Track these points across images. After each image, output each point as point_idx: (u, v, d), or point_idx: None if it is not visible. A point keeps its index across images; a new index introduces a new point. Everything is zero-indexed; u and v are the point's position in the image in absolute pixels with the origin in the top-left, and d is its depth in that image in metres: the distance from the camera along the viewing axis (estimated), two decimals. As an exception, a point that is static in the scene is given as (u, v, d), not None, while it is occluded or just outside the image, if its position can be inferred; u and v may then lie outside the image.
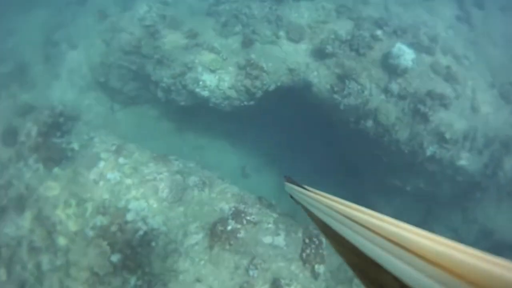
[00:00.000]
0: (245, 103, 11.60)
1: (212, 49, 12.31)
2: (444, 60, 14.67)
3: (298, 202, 1.10)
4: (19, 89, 15.25)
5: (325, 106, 11.82)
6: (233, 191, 10.21)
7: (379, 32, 13.14)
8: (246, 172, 13.37)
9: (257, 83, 11.32)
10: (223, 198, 10.12)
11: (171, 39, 13.27)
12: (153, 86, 13.11)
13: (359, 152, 13.08)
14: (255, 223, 9.75)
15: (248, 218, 9.74)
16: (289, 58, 12.31)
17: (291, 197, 1.26)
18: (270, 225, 9.81)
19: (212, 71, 11.81)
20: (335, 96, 11.19)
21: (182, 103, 12.16)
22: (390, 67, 12.30)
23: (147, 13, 13.85)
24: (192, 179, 10.22)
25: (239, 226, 9.58)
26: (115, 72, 14.05)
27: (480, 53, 16.51)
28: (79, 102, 15.09)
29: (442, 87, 13.46)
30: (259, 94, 11.60)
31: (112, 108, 14.80)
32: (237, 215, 9.77)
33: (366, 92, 11.43)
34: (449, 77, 13.84)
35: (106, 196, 10.50)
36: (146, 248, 9.72)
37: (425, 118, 12.17)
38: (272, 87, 11.76)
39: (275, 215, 10.14)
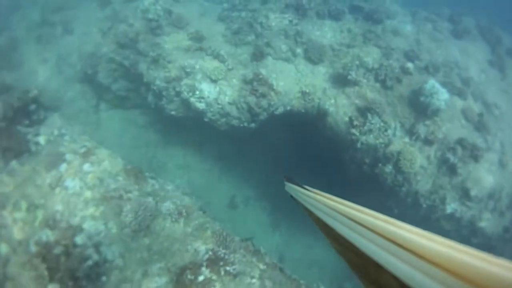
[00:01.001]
0: (245, 124, 9.59)
1: (217, 56, 10.38)
2: (475, 107, 12.77)
3: (298, 202, 1.05)
4: (3, 66, 13.41)
5: (338, 142, 9.80)
6: (214, 228, 8.08)
7: (410, 65, 11.22)
8: (234, 203, 11.25)
9: (263, 102, 9.34)
10: (200, 235, 7.97)
11: (174, 38, 11.35)
12: (145, 89, 11.14)
13: (368, 200, 11.01)
14: (235, 275, 7.57)
15: (227, 268, 7.57)
16: (304, 80, 10.36)
17: (291, 197, 1.17)
18: (254, 280, 7.63)
19: (213, 81, 9.85)
20: (353, 131, 9.19)
21: (173, 113, 10.14)
22: (419, 105, 10.35)
23: (152, 5, 11.98)
24: (167, 206, 8.09)
25: (214, 277, 7.41)
26: (105, 66, 12.07)
27: (510, 104, 14.67)
28: (61, 93, 13.11)
29: (473, 137, 11.48)
30: (263, 116, 9.60)
31: (97, 106, 12.78)
32: (214, 262, 7.61)
33: (389, 132, 9.44)
34: (480, 126, 11.86)
35: (59, 207, 8.40)
36: (93, 283, 7.55)
37: (452, 170, 10.14)
38: (280, 110, 9.77)
39: (262, 266, 7.98)
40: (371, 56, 11.37)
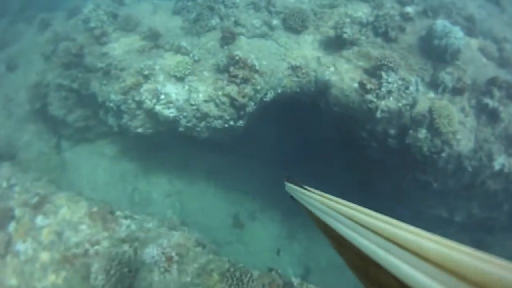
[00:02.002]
0: (231, 123, 7.23)
1: (178, 49, 8.04)
2: (489, 44, 10.54)
3: (298, 202, 1.03)
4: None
5: (350, 118, 7.45)
6: (221, 268, 5.69)
7: (409, 9, 8.92)
8: (239, 221, 8.87)
9: (247, 89, 7.00)
10: (205, 283, 5.60)
11: (124, 42, 9.03)
12: (103, 111, 8.79)
13: (399, 182, 8.68)
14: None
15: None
16: (290, 54, 8.04)
17: (292, 197, 1.14)
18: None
19: (179, 79, 7.51)
20: (369, 97, 6.84)
21: (139, 130, 7.75)
22: (434, 51, 8.07)
23: (93, 11, 9.62)
24: (150, 252, 5.65)
25: None
26: (55, 96, 9.63)
27: (519, 37, 12.46)
28: (15, 138, 10.68)
29: (501, 74, 9.24)
30: (251, 107, 7.26)
31: (57, 145, 10.37)
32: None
33: (411, 89, 7.13)
34: (503, 61, 9.61)
35: (12, 280, 6.13)
36: None
37: (494, 116, 7.84)
38: (270, 95, 7.43)
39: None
40: (361, 11, 9.08)
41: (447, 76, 7.81)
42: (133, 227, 6.05)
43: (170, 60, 7.82)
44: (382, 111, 6.97)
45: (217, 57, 7.73)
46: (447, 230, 10.53)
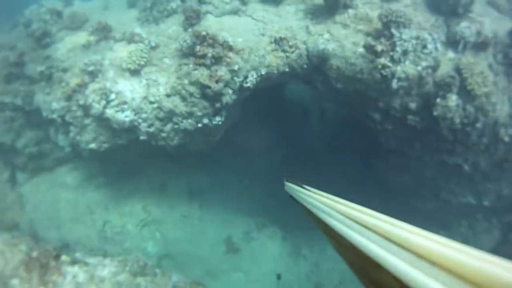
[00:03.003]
0: (206, 121, 5.30)
1: (131, 38, 6.15)
2: None
3: (298, 202, 0.98)
4: None
5: (358, 94, 5.61)
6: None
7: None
8: (232, 244, 6.91)
9: (221, 71, 5.09)
10: None
11: (69, 41, 7.15)
12: (53, 129, 6.86)
13: (417, 171, 6.86)
14: None
15: None
16: (271, 27, 6.25)
17: (291, 197, 1.08)
18: None
19: (134, 72, 5.60)
20: (381, 61, 4.97)
21: (92, 146, 5.78)
22: (445, 4, 6.36)
23: (34, 12, 7.73)
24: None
25: None
26: (-3, 118, 7.71)
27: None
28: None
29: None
30: (228, 96, 5.35)
31: (12, 179, 8.36)
32: None
33: (430, 47, 5.34)
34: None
35: None
36: None
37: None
38: (252, 78, 5.53)
39: None
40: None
41: (466, 31, 6.03)
42: (80, 277, 4.07)
43: (122, 51, 5.91)
44: (399, 79, 5.13)
45: (179, 41, 5.84)
46: (474, 217, 8.80)
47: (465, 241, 9.29)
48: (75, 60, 6.28)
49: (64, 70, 6.11)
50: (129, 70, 5.55)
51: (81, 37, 7.03)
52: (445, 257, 0.42)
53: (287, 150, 8.23)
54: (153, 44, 5.77)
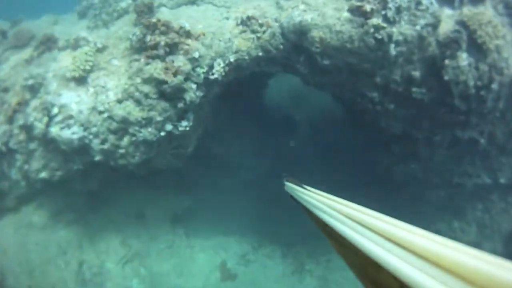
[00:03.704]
0: (169, 127, 4.18)
1: (76, 43, 5.10)
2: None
3: (298, 202, 0.97)
4: None
5: (350, 70, 4.55)
6: None
7: None
8: (228, 271, 5.75)
9: (179, 61, 4.01)
10: None
11: (13, 59, 6.11)
12: (6, 162, 5.74)
13: (427, 157, 5.80)
14: None
15: None
16: (235, 9, 5.22)
17: (291, 197, 1.06)
18: None
19: (79, 81, 4.51)
20: (374, 21, 3.92)
21: (43, 175, 4.62)
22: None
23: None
24: None
25: None
26: None
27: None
28: None
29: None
30: (192, 92, 4.23)
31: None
32: None
33: (425, 3, 4.32)
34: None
35: None
36: None
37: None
38: (219, 68, 4.43)
39: None
40: None
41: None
42: None
43: (66, 60, 4.86)
44: (397, 43, 4.10)
45: (130, 38, 4.79)
46: (489, 198, 7.74)
47: (481, 226, 8.20)
48: (16, 77, 5.22)
49: (5, 90, 5.06)
50: (74, 78, 4.49)
51: (26, 53, 6.00)
52: (446, 257, 0.41)
53: (274, 160, 7.20)
54: (99, 45, 4.72)
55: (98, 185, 5.79)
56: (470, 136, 5.57)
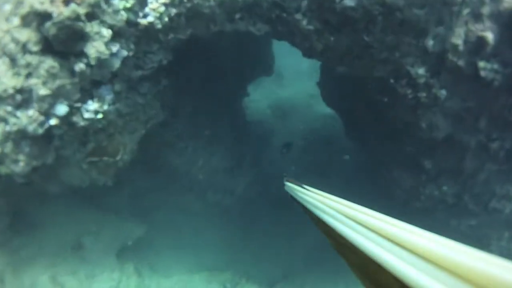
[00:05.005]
0: (63, 110, 2.30)
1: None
2: None
3: (298, 202, 0.93)
4: None
5: (383, 20, 2.73)
6: None
7: None
8: None
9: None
10: None
11: None
12: None
13: (475, 171, 3.98)
14: None
15: None
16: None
17: (291, 197, 1.02)
18: None
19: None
20: None
21: None
22: None
23: None
24: None
25: None
26: None
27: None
28: None
29: None
30: (99, 44, 2.32)
31: None
32: None
33: None
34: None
35: None
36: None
37: None
38: (156, 3, 2.57)
39: None
40: None
41: None
42: None
43: None
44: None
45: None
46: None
47: (505, 257, 6.57)
48: None
49: None
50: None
51: None
52: (447, 258, 0.40)
53: (252, 181, 5.57)
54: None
55: (25, 203, 3.86)
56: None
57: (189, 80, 3.75)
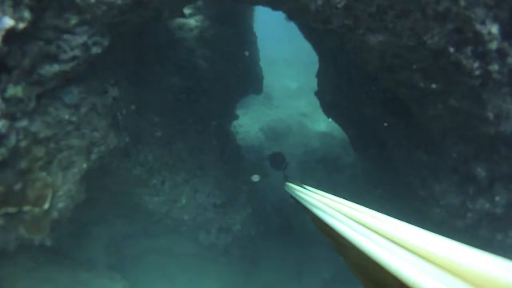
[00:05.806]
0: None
1: None
2: None
3: (298, 202, 0.92)
4: None
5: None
6: None
7: None
8: None
9: None
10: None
11: None
12: None
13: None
14: None
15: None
16: None
17: (291, 197, 1.02)
18: None
19: None
20: None
21: None
22: None
23: None
24: None
25: None
26: None
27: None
28: None
29: None
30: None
31: None
32: None
33: None
34: None
35: None
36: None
37: None
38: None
39: None
40: None
41: None
42: None
43: None
44: None
45: None
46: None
47: None
48: None
49: None
50: None
51: None
52: (446, 257, 0.40)
53: (248, 217, 4.56)
54: None
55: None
56: None
57: (157, 93, 2.75)
